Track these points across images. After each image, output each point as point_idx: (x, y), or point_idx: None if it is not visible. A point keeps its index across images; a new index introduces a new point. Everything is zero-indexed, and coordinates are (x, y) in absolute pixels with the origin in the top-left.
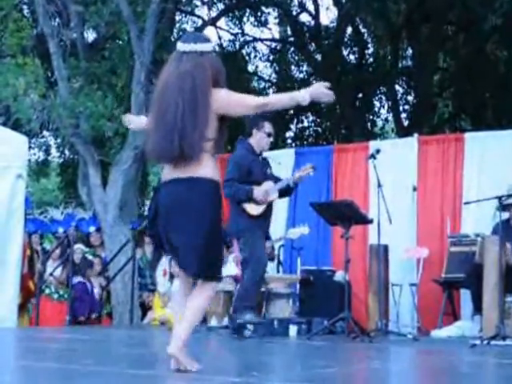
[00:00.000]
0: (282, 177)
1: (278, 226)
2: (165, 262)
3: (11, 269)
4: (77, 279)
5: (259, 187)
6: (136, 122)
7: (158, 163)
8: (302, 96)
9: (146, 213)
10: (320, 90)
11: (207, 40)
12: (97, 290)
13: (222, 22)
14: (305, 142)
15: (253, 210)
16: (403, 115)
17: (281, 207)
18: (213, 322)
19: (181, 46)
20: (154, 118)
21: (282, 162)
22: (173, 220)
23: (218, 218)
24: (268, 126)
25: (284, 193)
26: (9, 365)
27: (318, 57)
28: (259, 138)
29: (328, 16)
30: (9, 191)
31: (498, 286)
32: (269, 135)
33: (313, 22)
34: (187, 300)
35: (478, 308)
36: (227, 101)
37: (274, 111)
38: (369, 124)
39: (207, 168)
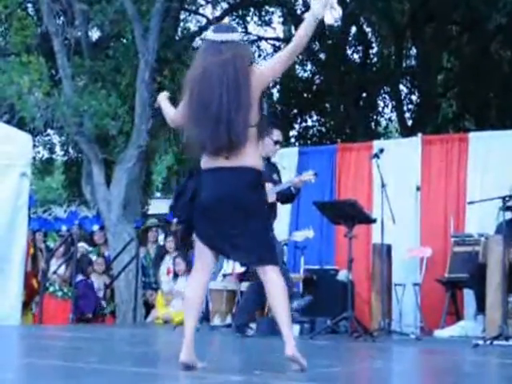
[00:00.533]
0: (284, 179)
1: (281, 226)
2: (168, 261)
3: (15, 267)
4: (79, 277)
5: None
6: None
7: (199, 153)
8: (318, 12)
9: (173, 196)
10: None
11: (237, 30)
12: (99, 288)
13: (226, 21)
14: (308, 142)
15: None
16: (407, 115)
17: (284, 207)
18: (216, 321)
19: (216, 36)
20: (194, 107)
21: (286, 162)
22: (225, 212)
23: (265, 205)
24: (277, 134)
25: (286, 199)
26: (12, 362)
27: (322, 56)
28: (266, 144)
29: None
30: (13, 189)
31: (501, 286)
32: (276, 143)
33: None
34: (270, 297)
35: (481, 308)
36: (261, 70)
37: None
38: (372, 123)
39: (251, 157)
